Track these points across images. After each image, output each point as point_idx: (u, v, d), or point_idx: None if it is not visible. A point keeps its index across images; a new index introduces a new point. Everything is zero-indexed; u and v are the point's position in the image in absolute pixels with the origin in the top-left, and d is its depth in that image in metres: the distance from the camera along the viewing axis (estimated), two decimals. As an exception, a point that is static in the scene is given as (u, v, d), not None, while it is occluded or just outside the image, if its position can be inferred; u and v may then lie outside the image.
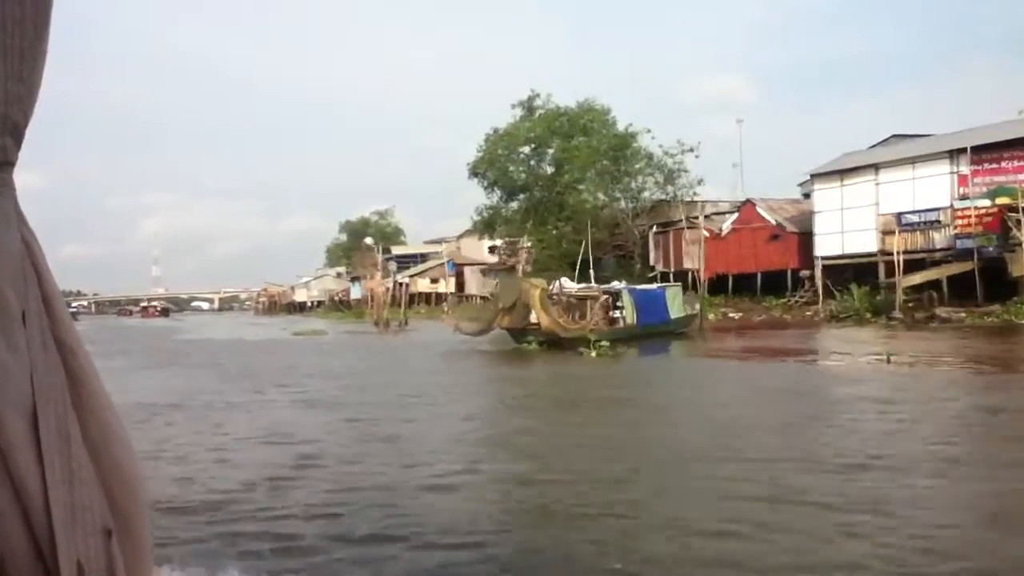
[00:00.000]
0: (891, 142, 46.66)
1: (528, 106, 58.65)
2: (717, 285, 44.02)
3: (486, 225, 60.65)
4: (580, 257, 35.62)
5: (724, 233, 44.02)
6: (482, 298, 31.56)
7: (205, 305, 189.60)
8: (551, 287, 23.96)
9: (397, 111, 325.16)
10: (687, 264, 45.63)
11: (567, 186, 59.29)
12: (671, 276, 46.19)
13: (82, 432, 0.76)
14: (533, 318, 22.61)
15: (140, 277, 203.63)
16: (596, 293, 23.90)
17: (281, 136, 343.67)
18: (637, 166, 51.93)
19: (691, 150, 50.82)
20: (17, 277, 0.74)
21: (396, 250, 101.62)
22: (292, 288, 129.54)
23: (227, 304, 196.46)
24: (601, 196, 53.69)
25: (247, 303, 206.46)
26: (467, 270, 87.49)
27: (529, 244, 48.86)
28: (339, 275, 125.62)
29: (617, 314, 23.66)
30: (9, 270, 0.74)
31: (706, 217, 49.89)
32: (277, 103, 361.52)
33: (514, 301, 22.18)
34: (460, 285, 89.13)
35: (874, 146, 47.05)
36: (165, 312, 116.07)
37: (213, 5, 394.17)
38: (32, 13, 0.72)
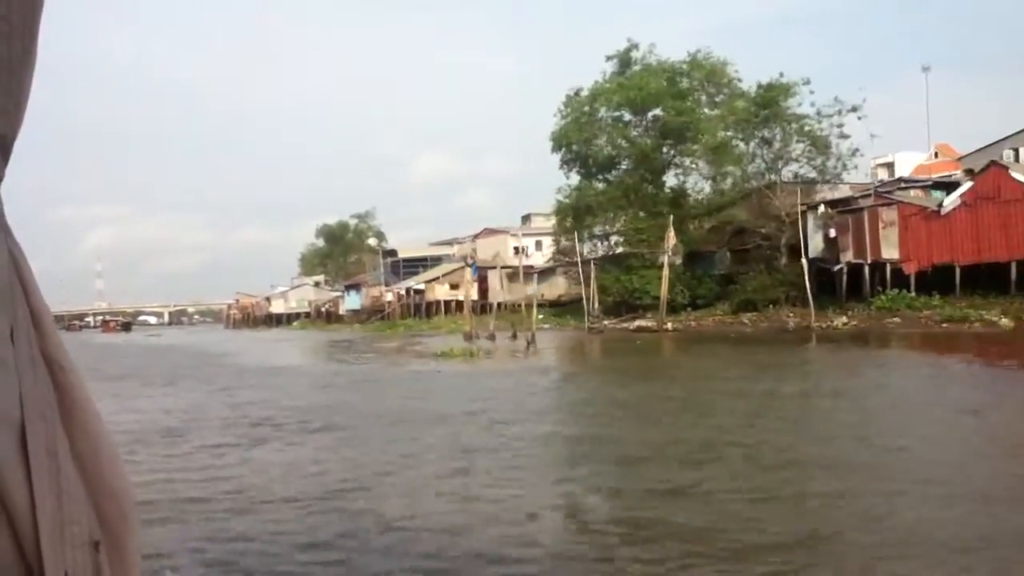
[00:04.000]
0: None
1: (623, 59, 47.18)
2: (932, 280, 33.34)
3: (574, 212, 48.38)
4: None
5: (947, 211, 33.30)
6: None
7: (153, 319, 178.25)
8: None
9: (347, 124, 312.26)
10: (886, 253, 34.84)
11: (670, 163, 48.22)
12: (865, 270, 35.41)
13: (71, 447, 0.76)
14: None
15: (82, 291, 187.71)
16: None
17: (227, 149, 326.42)
18: (790, 130, 40.76)
19: (853, 110, 39.97)
20: (4, 293, 0.72)
21: (402, 253, 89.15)
22: (268, 299, 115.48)
23: (176, 319, 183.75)
24: (735, 169, 42.52)
25: (195, 317, 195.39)
26: (490, 274, 75.76)
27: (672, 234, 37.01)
28: (318, 284, 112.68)
29: None
30: None
31: (889, 193, 39.36)
32: (223, 116, 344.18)
33: None
34: (484, 291, 76.91)
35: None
36: (127, 327, 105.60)
37: (159, 18, 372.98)
38: (20, 26, 0.71)
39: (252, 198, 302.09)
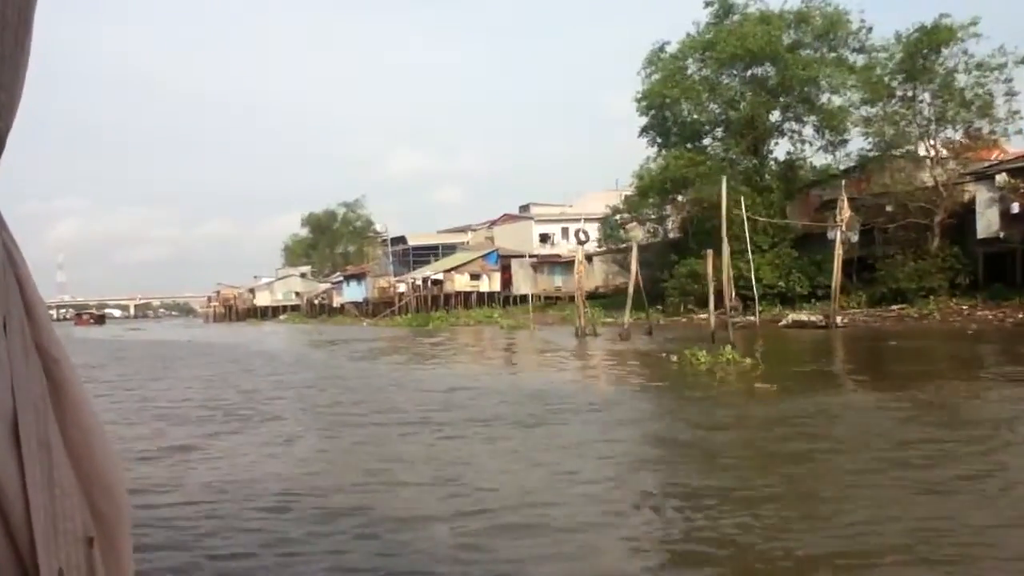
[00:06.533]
0: None
1: (723, 4, 39.81)
2: None
3: (671, 184, 40.55)
4: None
5: None
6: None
7: (117, 312, 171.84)
8: None
9: (317, 120, 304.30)
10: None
11: (778, 128, 41.11)
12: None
13: (64, 440, 0.76)
14: None
15: (43, 284, 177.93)
16: None
17: (193, 143, 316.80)
18: (951, 84, 33.68)
19: (1024, 62, 32.96)
20: None
21: (412, 240, 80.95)
22: (252, 291, 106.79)
23: (142, 312, 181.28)
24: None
25: (161, 310, 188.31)
26: (513, 263, 68.35)
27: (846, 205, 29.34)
28: (304, 275, 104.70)
29: None
30: None
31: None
32: (190, 109, 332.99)
33: None
34: (506, 281, 69.36)
35: None
36: (101, 320, 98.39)
37: (123, 10, 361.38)
38: (14, 21, 0.71)
39: (220, 192, 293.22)
